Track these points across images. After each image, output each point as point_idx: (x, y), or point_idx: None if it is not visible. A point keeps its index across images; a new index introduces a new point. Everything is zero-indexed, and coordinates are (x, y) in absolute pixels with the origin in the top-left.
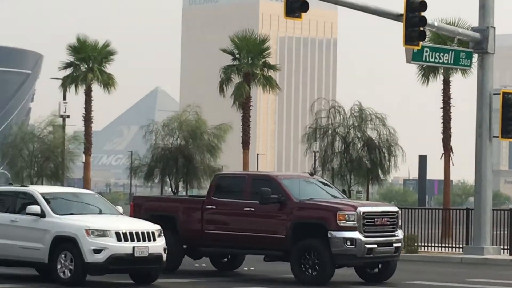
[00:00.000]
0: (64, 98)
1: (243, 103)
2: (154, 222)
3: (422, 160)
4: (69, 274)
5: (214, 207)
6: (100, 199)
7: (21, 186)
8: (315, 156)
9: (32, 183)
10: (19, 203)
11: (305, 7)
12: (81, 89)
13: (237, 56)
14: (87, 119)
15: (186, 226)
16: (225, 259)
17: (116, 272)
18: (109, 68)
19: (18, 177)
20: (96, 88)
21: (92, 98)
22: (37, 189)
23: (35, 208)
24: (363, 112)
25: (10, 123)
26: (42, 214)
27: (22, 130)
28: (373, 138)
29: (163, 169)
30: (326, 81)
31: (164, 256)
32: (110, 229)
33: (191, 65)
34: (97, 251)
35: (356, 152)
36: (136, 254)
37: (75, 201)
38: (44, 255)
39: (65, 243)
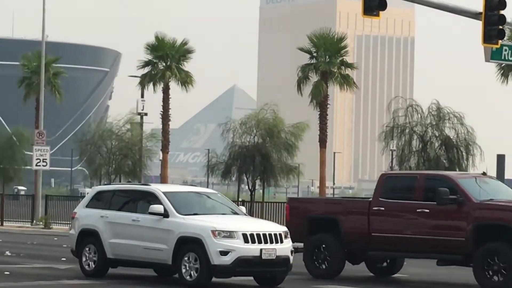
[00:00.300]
0: (142, 96)
1: (321, 102)
2: (312, 224)
3: (500, 159)
4: (194, 276)
5: (383, 208)
6: (223, 199)
7: (143, 184)
8: (392, 155)
9: (110, 181)
10: (140, 202)
11: (383, 6)
12: (159, 87)
13: (315, 54)
14: (165, 117)
15: (351, 229)
16: (384, 264)
17: (243, 275)
18: (187, 66)
19: (96, 174)
20: (173, 86)
21: (169, 96)
22: (159, 188)
23: (158, 208)
24: (440, 111)
25: (88, 120)
26: (166, 214)
27: (100, 127)
28: (451, 137)
29: (240, 167)
30: (403, 80)
31: (291, 258)
32: (237, 230)
33: (268, 63)
34: (224, 253)
35: (434, 151)
36: (263, 257)
37: (198, 200)
38: (167, 256)
39: (190, 244)
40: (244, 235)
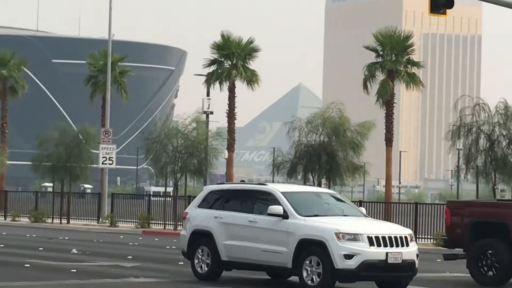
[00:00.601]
0: (208, 95)
1: (387, 100)
2: (476, 229)
3: None
4: (316, 280)
5: None
6: (342, 199)
7: (259, 184)
8: (458, 154)
9: (176, 179)
10: (257, 202)
11: (450, 4)
12: (225, 86)
13: (381, 53)
14: (231, 115)
15: None
16: None
17: (367, 280)
18: (253, 65)
19: (162, 172)
20: (239, 84)
21: (235, 95)
22: (277, 188)
23: (277, 209)
24: (508, 110)
25: (154, 119)
26: (285, 215)
27: (166, 126)
28: None
29: (306, 166)
30: (470, 78)
31: (417, 263)
32: (362, 232)
33: (334, 62)
34: (349, 256)
35: (501, 150)
36: (389, 261)
37: (317, 201)
38: (287, 259)
39: (312, 247)
40: (369, 238)
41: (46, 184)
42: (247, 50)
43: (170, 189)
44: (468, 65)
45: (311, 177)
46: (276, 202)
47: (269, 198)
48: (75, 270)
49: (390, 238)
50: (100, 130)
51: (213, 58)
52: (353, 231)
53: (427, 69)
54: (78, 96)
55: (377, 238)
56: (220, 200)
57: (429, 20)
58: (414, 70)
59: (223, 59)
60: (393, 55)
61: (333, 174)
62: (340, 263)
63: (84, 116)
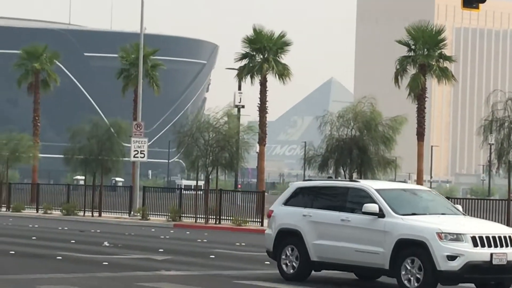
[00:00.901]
0: (239, 89)
1: (419, 95)
2: None
3: None
4: (416, 282)
5: None
6: (438, 197)
7: (351, 181)
8: (490, 149)
9: (207, 173)
10: (349, 200)
11: None
12: (256, 80)
13: (413, 47)
14: (262, 109)
15: None
16: None
17: (469, 282)
18: (284, 59)
19: (193, 166)
20: (271, 78)
21: (267, 89)
22: (371, 185)
23: (373, 207)
24: None
25: (185, 112)
26: (381, 214)
27: (198, 119)
28: None
29: (337, 160)
30: (503, 73)
31: None
32: (465, 232)
33: (366, 56)
34: (452, 257)
35: None
36: (494, 262)
37: (413, 199)
38: (383, 260)
39: (411, 248)
40: (473, 238)
41: (78, 177)
42: (279, 44)
43: (201, 183)
44: (501, 60)
45: (342, 171)
46: (370, 199)
47: (361, 195)
48: (107, 263)
49: (494, 238)
50: (132, 124)
51: (244, 52)
52: (456, 231)
53: (459, 63)
54: (110, 90)
55: (481, 238)
56: (308, 198)
57: (462, 15)
58: (446, 64)
59: (254, 53)
60: (425, 49)
61: (365, 168)
62: (443, 265)
63: (116, 109)
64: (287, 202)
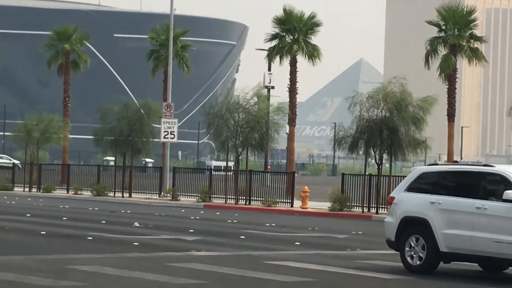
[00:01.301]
0: (269, 69)
1: (449, 75)
2: None
3: None
4: None
5: None
6: None
7: (483, 165)
8: None
9: (237, 154)
10: (483, 186)
11: None
12: (286, 60)
13: (443, 27)
14: (292, 90)
15: None
16: None
17: None
18: (314, 40)
19: (223, 147)
20: (300, 59)
21: (296, 69)
22: (509, 170)
23: None
24: None
25: (215, 93)
26: None
27: (228, 100)
28: None
29: (368, 141)
30: None
31: None
32: None
33: (395, 36)
34: None
35: None
36: None
37: None
38: None
39: None
40: None
41: (108, 158)
42: (309, 25)
43: (231, 164)
44: None
45: (372, 152)
46: (510, 186)
47: (498, 181)
48: (137, 243)
49: None
50: (162, 105)
51: (274, 33)
52: None
53: (489, 44)
54: (140, 71)
55: None
56: (435, 183)
57: None
58: (477, 45)
59: (284, 34)
60: (456, 30)
61: (395, 149)
62: None
63: (146, 90)
64: (410, 188)
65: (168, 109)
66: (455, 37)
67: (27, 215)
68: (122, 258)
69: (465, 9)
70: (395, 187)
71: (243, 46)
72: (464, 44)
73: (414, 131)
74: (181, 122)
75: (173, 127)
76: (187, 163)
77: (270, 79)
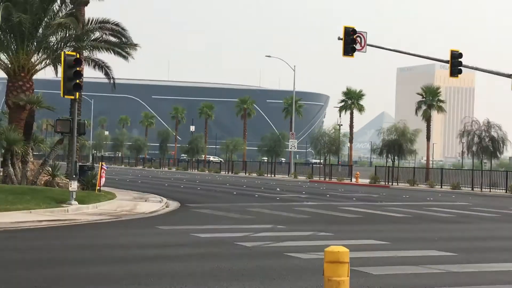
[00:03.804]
0: (340, 116)
1: (427, 118)
2: None
3: None
4: None
5: None
6: None
7: None
8: None
9: (325, 156)
10: None
11: None
12: (348, 112)
13: (424, 96)
14: (351, 126)
15: None
16: None
17: None
18: (361, 102)
19: (318, 153)
20: (355, 111)
21: (353, 116)
22: None
23: None
24: None
25: (314, 129)
26: None
27: (320, 132)
28: None
29: (387, 150)
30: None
31: None
32: None
33: (401, 100)
34: None
35: None
36: None
37: None
38: None
39: None
40: None
41: (265, 158)
42: (359, 95)
43: (321, 160)
44: (465, 99)
45: (389, 155)
46: None
47: None
48: (278, 198)
49: None
50: (289, 133)
51: (343, 98)
52: None
53: (447, 104)
54: (278, 117)
55: None
56: None
57: (446, 80)
58: (441, 104)
59: (347, 99)
60: (430, 97)
61: (400, 154)
62: None
63: (281, 126)
64: None
65: (292, 136)
66: (430, 101)
67: (227, 184)
68: (271, 205)
69: (434, 88)
70: (399, 175)
71: (327, 104)
72: (434, 104)
73: (408, 146)
74: (298, 141)
75: (295, 143)
76: (300, 160)
77: (340, 121)
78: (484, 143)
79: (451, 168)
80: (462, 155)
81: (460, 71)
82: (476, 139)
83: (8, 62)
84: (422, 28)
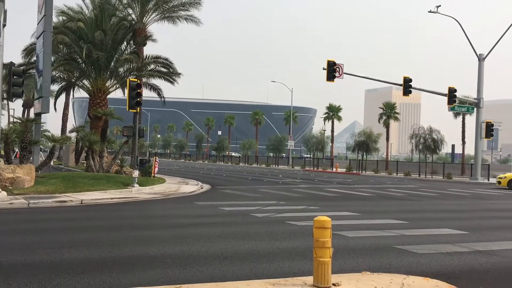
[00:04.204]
0: (324, 124)
1: (387, 125)
2: None
3: None
4: None
5: None
6: None
7: None
8: None
9: (313, 152)
10: None
11: None
12: (329, 121)
13: (384, 109)
14: (332, 131)
15: None
16: None
17: None
18: (340, 113)
19: (308, 151)
20: (335, 121)
21: (334, 123)
22: None
23: None
24: None
25: (306, 133)
26: None
27: (310, 134)
28: None
29: (359, 149)
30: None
31: None
32: None
33: (369, 112)
34: None
35: None
36: None
37: None
38: None
39: None
40: None
41: (271, 153)
42: (337, 109)
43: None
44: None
45: (360, 151)
46: None
47: None
48: (281, 182)
49: None
50: (288, 136)
51: (326, 111)
52: None
53: (401, 115)
54: (281, 125)
55: None
56: None
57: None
58: (396, 115)
59: (329, 112)
60: (389, 110)
61: (367, 151)
62: None
63: (284, 131)
64: None
65: (290, 138)
66: (389, 113)
67: (244, 172)
68: (275, 187)
69: (392, 103)
70: (367, 166)
71: (315, 116)
72: (392, 115)
73: (373, 145)
74: (294, 142)
75: (292, 143)
76: (295, 155)
77: (324, 127)
78: (427, 142)
79: (404, 161)
80: (412, 151)
81: (410, 92)
82: (422, 140)
83: (89, 86)
84: (383, 60)
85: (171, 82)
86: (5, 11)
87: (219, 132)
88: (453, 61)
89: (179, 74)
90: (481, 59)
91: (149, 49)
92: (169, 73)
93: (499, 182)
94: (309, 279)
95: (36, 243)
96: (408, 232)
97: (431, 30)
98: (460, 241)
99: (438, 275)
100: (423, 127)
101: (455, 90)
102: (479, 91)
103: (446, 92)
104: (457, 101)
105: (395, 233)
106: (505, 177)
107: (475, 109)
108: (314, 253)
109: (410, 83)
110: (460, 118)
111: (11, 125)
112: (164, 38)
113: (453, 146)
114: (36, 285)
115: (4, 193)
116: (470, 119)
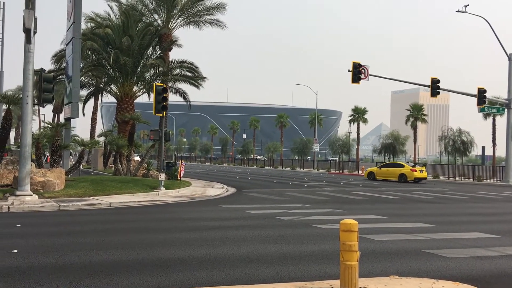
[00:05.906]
0: (350, 126)
1: (414, 128)
2: None
3: None
4: None
5: None
6: None
7: None
8: None
9: (338, 154)
10: None
11: None
12: (355, 123)
13: (411, 111)
14: (358, 133)
15: None
16: None
17: None
18: (366, 115)
19: (334, 154)
20: (361, 123)
21: (359, 127)
22: None
23: None
24: None
25: (332, 135)
26: None
27: (335, 137)
28: None
29: (385, 151)
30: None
31: None
32: None
33: (396, 114)
34: None
35: None
36: None
37: None
38: None
39: None
40: None
41: (296, 156)
42: (363, 111)
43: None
44: (443, 114)
45: (387, 155)
46: None
47: None
48: (306, 185)
49: None
50: (314, 139)
51: (352, 113)
52: None
53: (429, 117)
54: (307, 127)
55: None
56: None
57: (423, 97)
58: (424, 117)
59: (355, 114)
60: (416, 111)
61: (394, 153)
62: None
63: (309, 134)
64: None
65: (315, 141)
66: (416, 114)
67: (269, 175)
68: (300, 190)
69: (419, 105)
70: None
71: (340, 118)
72: (419, 116)
73: (400, 147)
74: (319, 145)
75: (317, 146)
76: (320, 158)
77: (350, 130)
78: (457, 144)
79: (432, 163)
80: (440, 154)
81: (438, 93)
82: (451, 142)
83: (117, 91)
84: (410, 61)
85: (196, 86)
86: (35, 19)
87: (244, 135)
88: (482, 61)
89: (204, 78)
90: (511, 58)
91: (174, 54)
92: (194, 77)
93: None
94: (336, 283)
95: (66, 245)
96: (437, 236)
97: (459, 30)
98: (491, 245)
99: (468, 280)
100: (452, 129)
101: (484, 91)
102: (509, 91)
103: (475, 93)
104: (487, 102)
105: (423, 236)
106: None
107: (505, 109)
108: (341, 257)
109: (438, 84)
110: (490, 119)
111: (42, 130)
112: (188, 42)
113: (483, 148)
114: (66, 286)
115: (36, 196)
116: (501, 120)
